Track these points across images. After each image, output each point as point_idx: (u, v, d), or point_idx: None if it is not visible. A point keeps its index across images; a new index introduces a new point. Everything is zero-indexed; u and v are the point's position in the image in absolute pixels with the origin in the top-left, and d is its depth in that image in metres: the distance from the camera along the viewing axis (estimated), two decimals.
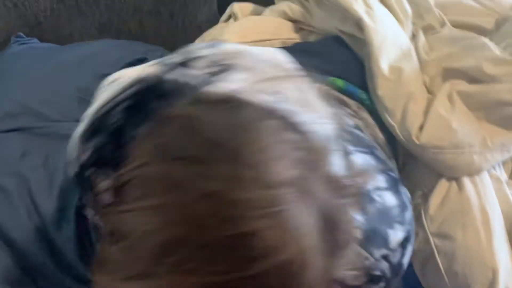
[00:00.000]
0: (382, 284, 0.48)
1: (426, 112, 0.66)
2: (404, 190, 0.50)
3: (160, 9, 1.12)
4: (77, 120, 0.45)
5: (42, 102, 0.76)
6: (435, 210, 0.65)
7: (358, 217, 0.43)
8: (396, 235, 0.47)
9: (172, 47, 0.55)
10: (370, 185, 0.47)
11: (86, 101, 0.57)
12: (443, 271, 0.64)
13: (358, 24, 0.69)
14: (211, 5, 1.18)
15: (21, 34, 0.98)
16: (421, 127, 0.65)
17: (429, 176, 0.67)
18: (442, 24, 0.78)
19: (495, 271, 0.62)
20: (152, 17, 1.13)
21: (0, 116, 0.75)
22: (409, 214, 0.49)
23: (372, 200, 0.46)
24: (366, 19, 0.67)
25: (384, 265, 0.47)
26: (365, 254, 0.46)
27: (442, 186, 0.65)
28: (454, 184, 0.65)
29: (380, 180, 0.48)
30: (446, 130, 0.65)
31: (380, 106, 0.67)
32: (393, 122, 0.66)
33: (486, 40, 0.71)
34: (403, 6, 0.76)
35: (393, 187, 0.49)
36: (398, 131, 0.65)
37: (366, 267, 0.46)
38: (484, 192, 0.64)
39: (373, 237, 0.46)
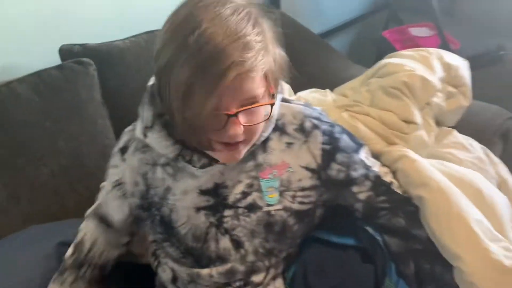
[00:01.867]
0: (337, 128, 0.85)
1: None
2: None
3: (76, 186, 1.16)
4: None
5: None
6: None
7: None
8: (317, 108, 0.87)
9: None
10: None
11: None
12: None
13: None
14: None
15: None
16: None
17: None
18: None
19: None
20: (71, 196, 1.15)
21: None
22: None
23: None
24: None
25: (325, 117, 0.84)
26: (312, 110, 0.84)
27: None
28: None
29: None
30: (354, 129, 0.97)
31: None
32: None
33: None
34: None
35: None
36: None
37: (318, 116, 0.83)
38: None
39: (308, 105, 0.86)
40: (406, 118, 1.01)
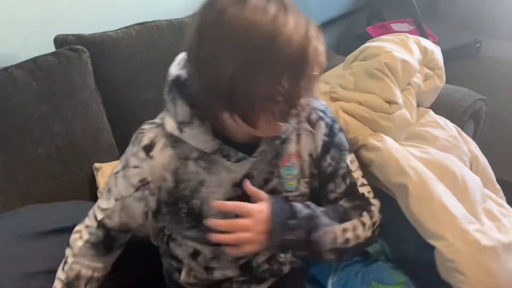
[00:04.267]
0: (338, 124, 0.90)
1: None
2: None
3: (70, 167, 1.22)
4: None
5: None
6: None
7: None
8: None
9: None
10: None
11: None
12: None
13: None
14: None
15: None
16: None
17: None
18: None
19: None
20: (66, 176, 1.21)
21: None
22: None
23: None
24: None
25: (329, 111, 0.89)
26: (318, 103, 0.89)
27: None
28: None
29: None
30: (341, 122, 1.04)
31: None
32: None
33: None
34: None
35: None
36: None
37: (324, 109, 0.89)
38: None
39: (316, 99, 0.88)
40: (388, 99, 1.07)
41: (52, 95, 1.19)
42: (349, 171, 0.90)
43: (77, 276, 0.86)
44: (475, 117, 1.30)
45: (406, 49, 1.17)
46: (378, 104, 1.06)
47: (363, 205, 0.90)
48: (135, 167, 0.81)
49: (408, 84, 1.14)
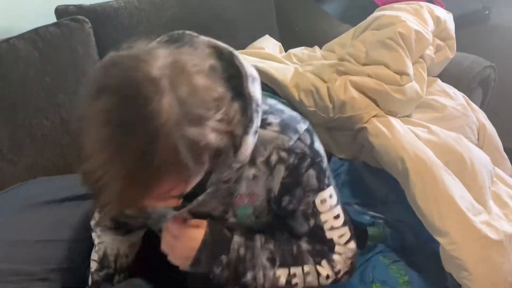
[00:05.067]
0: (308, 161, 0.74)
1: (330, 95, 1.06)
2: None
3: (76, 138, 1.20)
4: None
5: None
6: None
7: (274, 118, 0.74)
8: (301, 127, 0.75)
9: None
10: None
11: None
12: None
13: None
14: None
15: None
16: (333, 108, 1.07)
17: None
18: None
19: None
20: (72, 147, 1.20)
21: None
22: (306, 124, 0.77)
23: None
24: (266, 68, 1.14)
25: (301, 144, 0.73)
26: (286, 138, 0.72)
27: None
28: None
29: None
30: (351, 100, 1.02)
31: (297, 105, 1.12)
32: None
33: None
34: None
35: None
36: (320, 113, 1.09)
37: (290, 146, 0.72)
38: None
39: (287, 127, 0.73)
40: (399, 70, 1.04)
41: (55, 66, 1.18)
42: (315, 212, 0.79)
43: (105, 255, 0.92)
44: (484, 85, 1.28)
45: (420, 19, 1.13)
46: (388, 76, 1.04)
47: (323, 252, 0.80)
48: None
49: (421, 57, 1.12)
